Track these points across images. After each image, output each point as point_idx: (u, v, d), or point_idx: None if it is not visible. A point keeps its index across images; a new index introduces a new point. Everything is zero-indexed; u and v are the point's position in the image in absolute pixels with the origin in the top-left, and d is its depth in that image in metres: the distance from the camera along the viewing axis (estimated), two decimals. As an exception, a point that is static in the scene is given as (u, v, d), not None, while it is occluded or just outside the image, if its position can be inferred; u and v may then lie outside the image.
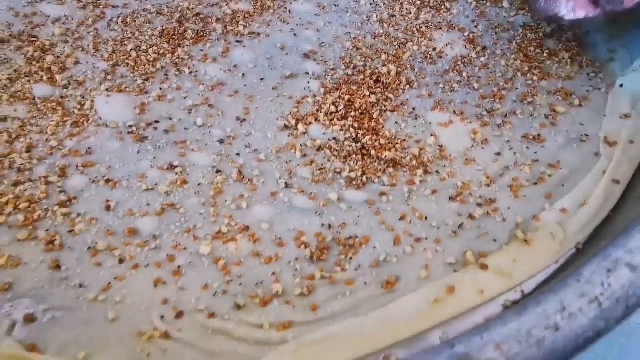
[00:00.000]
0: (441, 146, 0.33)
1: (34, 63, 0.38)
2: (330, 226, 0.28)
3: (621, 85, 0.36)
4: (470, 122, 0.34)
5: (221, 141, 0.33)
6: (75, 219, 0.28)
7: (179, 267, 0.26)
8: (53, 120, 0.34)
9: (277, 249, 0.27)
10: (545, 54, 0.40)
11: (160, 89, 0.37)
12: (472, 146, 0.33)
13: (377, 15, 0.44)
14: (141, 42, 0.41)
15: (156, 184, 0.30)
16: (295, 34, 0.43)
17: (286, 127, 0.34)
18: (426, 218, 0.29)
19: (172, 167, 0.31)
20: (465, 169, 0.31)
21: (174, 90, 0.37)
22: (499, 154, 0.32)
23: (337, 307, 0.25)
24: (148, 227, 0.28)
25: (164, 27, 0.43)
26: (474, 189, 0.30)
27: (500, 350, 0.17)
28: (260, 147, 0.33)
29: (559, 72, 0.38)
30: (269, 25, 0.43)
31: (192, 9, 0.45)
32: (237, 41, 0.42)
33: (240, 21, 0.44)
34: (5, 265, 0.26)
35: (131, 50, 0.40)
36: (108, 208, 0.29)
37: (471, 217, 0.29)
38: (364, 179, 0.31)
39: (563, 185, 0.30)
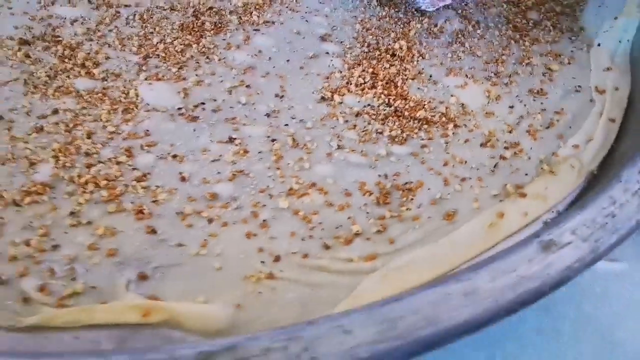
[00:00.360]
0: (462, 104, 0.37)
1: (66, 60, 0.40)
2: (386, 176, 0.32)
3: (599, 44, 0.42)
4: (482, 83, 0.39)
5: (267, 115, 0.36)
6: (155, 190, 0.30)
7: (264, 220, 0.29)
8: (103, 109, 0.36)
9: (346, 198, 0.31)
10: (530, 24, 0.46)
11: (196, 75, 0.39)
12: (488, 102, 0.38)
13: (376, 0, 0.49)
14: (164, 35, 0.43)
15: (220, 155, 0.33)
16: (307, 20, 0.46)
17: (323, 99, 0.38)
18: (465, 162, 0.33)
19: (230, 139, 0.34)
20: (487, 121, 0.36)
21: (209, 75, 0.40)
22: (512, 107, 0.37)
23: (410, 238, 0.29)
24: (225, 191, 0.31)
25: (182, 22, 0.45)
26: (499, 135, 0.35)
27: (575, 235, 0.21)
28: (304, 118, 0.36)
29: (545, 37, 0.44)
30: (280, 14, 0.47)
31: (204, 3, 0.47)
32: (255, 29, 0.45)
33: (252, 11, 0.47)
34: (104, 234, 0.28)
35: (157, 43, 0.42)
36: (183, 179, 0.31)
37: (502, 157, 0.33)
38: (404, 135, 0.35)
39: (570, 127, 0.36)
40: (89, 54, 0.41)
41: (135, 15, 0.46)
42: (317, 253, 0.28)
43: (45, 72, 0.38)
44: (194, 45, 0.42)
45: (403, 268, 0.27)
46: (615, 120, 0.36)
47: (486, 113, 0.37)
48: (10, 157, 0.32)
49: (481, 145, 0.34)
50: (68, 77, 0.38)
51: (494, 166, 0.33)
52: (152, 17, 0.45)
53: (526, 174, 0.32)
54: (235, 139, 0.34)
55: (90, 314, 0.24)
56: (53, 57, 0.40)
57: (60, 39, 0.42)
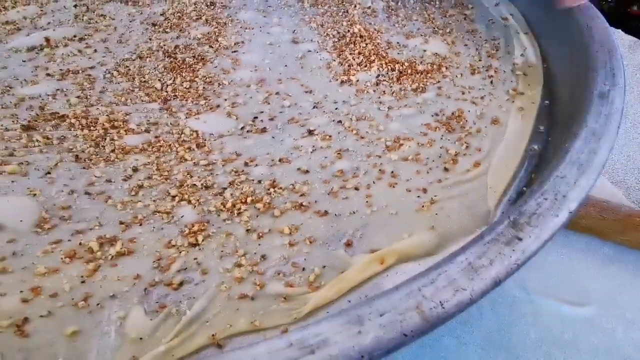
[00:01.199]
0: (436, 53, 0.48)
1: (92, 128, 0.39)
2: (436, 114, 0.41)
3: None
4: (435, 36, 0.51)
5: (315, 107, 0.42)
6: (294, 187, 0.34)
7: (392, 172, 0.35)
8: (179, 152, 0.37)
9: (427, 136, 0.39)
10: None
11: (225, 100, 0.42)
12: (450, 47, 0.49)
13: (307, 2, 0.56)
14: (159, 79, 0.44)
15: (313, 146, 0.38)
16: (268, 32, 0.52)
17: (343, 82, 0.44)
18: (472, 87, 0.44)
19: (310, 132, 0.39)
20: (459, 58, 0.48)
21: (235, 96, 0.43)
22: (465, 45, 0.50)
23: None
24: (346, 166, 0.36)
25: (163, 65, 0.46)
26: (476, 65, 0.47)
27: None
28: (344, 99, 0.43)
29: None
30: (240, 35, 0.51)
31: (163, 46, 0.49)
32: (233, 51, 0.49)
33: (217, 39, 0.50)
34: (291, 232, 0.31)
35: (162, 87, 0.43)
36: (306, 172, 0.35)
37: (489, 76, 0.45)
38: (422, 85, 0.44)
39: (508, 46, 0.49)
40: (108, 116, 0.40)
41: (108, 73, 0.45)
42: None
43: (84, 144, 0.37)
44: (197, 80, 0.45)
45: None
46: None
47: (455, 53, 0.48)
48: (142, 217, 0.32)
49: (471, 74, 0.46)
50: (112, 139, 0.38)
51: (491, 83, 0.44)
52: (129, 70, 0.46)
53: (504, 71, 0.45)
54: (312, 130, 0.39)
55: (345, 283, 0.28)
56: (74, 130, 0.39)
57: (58, 113, 0.40)
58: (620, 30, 0.54)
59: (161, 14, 0.54)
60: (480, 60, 0.47)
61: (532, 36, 0.50)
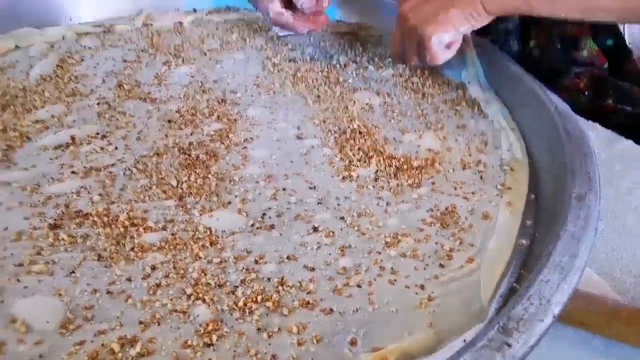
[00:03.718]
0: (429, 149, 0.52)
1: (113, 226, 0.42)
2: (431, 209, 0.44)
3: (468, 82, 0.63)
4: (428, 131, 0.55)
5: (319, 203, 0.45)
6: (301, 284, 0.37)
7: (392, 267, 0.38)
8: (193, 250, 0.40)
9: (423, 232, 0.42)
10: (419, 85, 0.64)
11: (235, 196, 0.46)
12: (442, 142, 0.54)
13: (311, 100, 0.62)
14: (175, 177, 0.48)
15: (318, 243, 0.41)
16: (274, 129, 0.56)
17: (344, 178, 0.48)
18: (464, 182, 0.48)
19: (314, 229, 0.42)
20: (450, 154, 0.52)
21: (245, 192, 0.47)
22: (456, 140, 0.54)
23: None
24: (348, 263, 0.39)
25: (179, 162, 0.50)
26: (466, 160, 0.51)
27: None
28: (345, 195, 0.46)
29: (436, 91, 0.63)
30: (249, 131, 0.56)
31: (179, 142, 0.53)
32: (243, 148, 0.53)
33: (228, 135, 0.55)
34: (300, 330, 0.33)
35: (177, 185, 0.47)
36: (312, 269, 0.38)
37: (480, 171, 0.49)
38: (417, 181, 0.48)
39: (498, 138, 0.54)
40: (128, 214, 0.43)
41: (127, 170, 0.49)
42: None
43: (105, 242, 0.40)
44: (210, 176, 0.48)
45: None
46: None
47: (447, 149, 0.53)
48: (160, 316, 0.34)
49: (462, 169, 0.50)
50: (132, 237, 0.41)
51: (480, 178, 0.48)
52: (147, 167, 0.50)
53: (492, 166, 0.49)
54: (317, 227, 0.42)
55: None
56: (96, 228, 0.42)
57: (82, 211, 0.44)
58: (597, 124, 0.58)
59: (176, 111, 0.59)
60: (470, 155, 0.51)
61: (517, 132, 0.55)
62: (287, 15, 0.67)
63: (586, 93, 0.67)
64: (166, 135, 0.55)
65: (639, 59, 0.80)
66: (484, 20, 0.55)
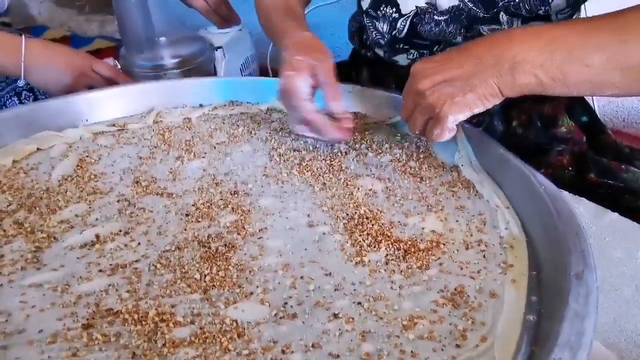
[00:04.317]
0: (433, 230, 0.56)
1: (143, 322, 0.44)
2: (442, 290, 0.47)
3: (462, 165, 0.68)
4: (430, 213, 0.59)
5: (336, 289, 0.48)
6: (329, 373, 0.39)
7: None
8: (222, 343, 0.42)
9: (436, 313, 0.45)
10: (416, 169, 0.69)
11: (257, 286, 0.49)
12: (444, 223, 0.58)
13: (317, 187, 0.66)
14: (197, 270, 0.51)
15: (339, 329, 0.43)
16: (286, 217, 0.60)
17: (357, 263, 0.52)
18: (468, 262, 0.51)
19: (335, 316, 0.45)
20: (453, 234, 0.56)
21: (265, 282, 0.49)
22: (457, 220, 0.58)
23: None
24: (371, 348, 0.41)
25: (200, 255, 0.54)
26: (468, 240, 0.55)
27: None
28: (360, 280, 0.49)
29: (433, 174, 0.68)
30: (263, 221, 0.59)
31: (198, 235, 0.57)
32: (259, 237, 0.56)
33: (243, 226, 0.58)
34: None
35: (200, 278, 0.50)
36: (337, 356, 0.40)
37: (482, 251, 0.53)
38: (425, 262, 0.51)
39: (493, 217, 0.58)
40: (157, 309, 0.46)
41: (152, 265, 0.52)
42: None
43: (138, 339, 0.42)
44: (230, 268, 0.52)
45: None
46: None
47: (449, 230, 0.57)
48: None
49: (466, 249, 0.53)
50: (162, 333, 0.43)
51: (484, 257, 0.52)
52: (170, 262, 0.53)
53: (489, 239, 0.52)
54: (337, 314, 0.45)
55: None
56: (127, 325, 0.44)
57: (113, 309, 0.46)
58: (584, 199, 0.63)
59: (192, 204, 0.62)
60: (471, 235, 0.55)
61: (512, 210, 0.59)
62: (322, 117, 0.66)
63: (570, 168, 0.72)
64: (185, 229, 0.58)
65: (613, 131, 0.87)
66: (496, 102, 0.58)
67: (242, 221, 0.59)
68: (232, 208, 0.62)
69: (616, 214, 0.60)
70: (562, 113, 0.83)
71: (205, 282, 0.49)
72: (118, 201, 0.64)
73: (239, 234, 0.57)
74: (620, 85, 0.54)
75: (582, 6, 1.16)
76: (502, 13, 0.80)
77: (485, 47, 0.58)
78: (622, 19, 0.53)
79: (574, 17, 0.86)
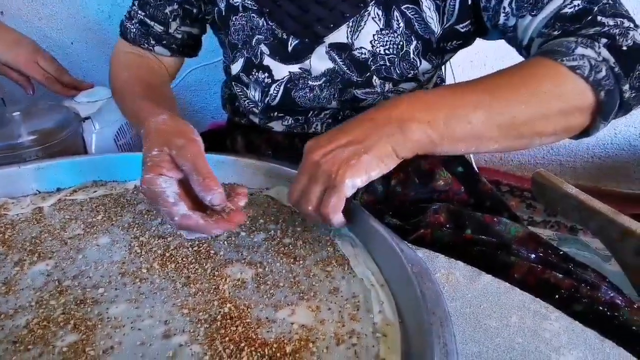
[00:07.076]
0: (303, 325, 0.51)
1: None
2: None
3: (337, 238, 0.64)
4: (301, 304, 0.54)
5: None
6: None
7: None
8: None
9: None
10: (290, 247, 0.65)
11: None
12: (315, 314, 0.53)
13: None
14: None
15: None
16: (139, 329, 0.52)
17: (214, 383, 0.45)
18: (339, 362, 0.46)
19: None
20: (324, 326, 0.51)
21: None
22: (329, 309, 0.54)
23: None
24: None
25: None
26: (339, 332, 0.50)
27: None
28: None
29: (307, 252, 0.63)
30: (110, 337, 0.51)
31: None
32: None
33: (84, 349, 0.50)
34: None
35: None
36: None
37: (353, 344, 0.48)
38: (291, 371, 0.46)
39: (367, 302, 0.54)
40: None
41: None
42: None
43: None
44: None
45: None
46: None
47: (320, 321, 0.52)
48: None
49: (337, 344, 0.49)
50: None
51: (355, 353, 0.47)
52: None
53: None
54: None
55: None
56: None
57: None
58: (460, 262, 0.62)
59: (25, 326, 0.53)
60: (343, 326, 0.51)
61: (387, 288, 0.56)
62: (195, 218, 0.58)
63: (447, 226, 0.72)
64: (7, 364, 0.48)
65: (491, 171, 0.89)
66: (392, 165, 0.56)
67: (84, 342, 0.50)
68: (75, 324, 0.53)
69: (490, 276, 0.59)
70: (439, 167, 0.84)
71: None
72: None
73: (77, 360, 0.48)
74: (499, 140, 0.57)
75: (449, 65, 1.22)
76: (374, 77, 0.80)
77: (376, 111, 0.58)
78: (491, 80, 0.57)
79: (436, 75, 0.89)
